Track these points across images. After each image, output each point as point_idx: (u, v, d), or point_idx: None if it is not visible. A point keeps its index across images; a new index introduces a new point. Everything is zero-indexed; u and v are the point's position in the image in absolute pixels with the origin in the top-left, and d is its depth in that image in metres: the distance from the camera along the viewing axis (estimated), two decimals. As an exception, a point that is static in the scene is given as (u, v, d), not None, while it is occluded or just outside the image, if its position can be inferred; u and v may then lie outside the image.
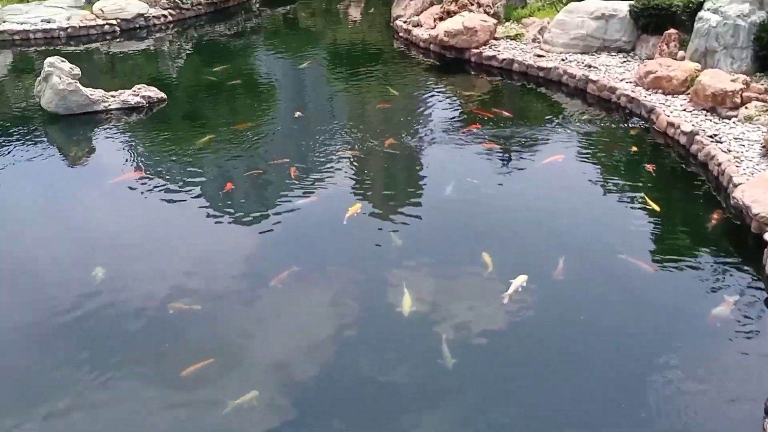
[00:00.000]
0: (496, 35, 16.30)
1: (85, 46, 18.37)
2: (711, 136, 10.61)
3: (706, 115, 11.42)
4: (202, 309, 7.54)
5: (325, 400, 6.54)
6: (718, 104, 11.44)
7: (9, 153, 11.58)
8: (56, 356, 7.03)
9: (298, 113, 13.34)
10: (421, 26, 17.85)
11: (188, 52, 18.40)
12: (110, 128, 12.48)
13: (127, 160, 11.35)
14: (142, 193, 10.24)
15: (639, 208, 9.56)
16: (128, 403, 6.41)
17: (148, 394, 6.53)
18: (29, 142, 11.99)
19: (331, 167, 10.97)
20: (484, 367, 6.88)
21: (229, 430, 6.22)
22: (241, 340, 7.22)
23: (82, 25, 18.83)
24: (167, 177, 10.69)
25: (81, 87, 12.69)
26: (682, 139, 11.00)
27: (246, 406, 6.37)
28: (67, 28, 18.69)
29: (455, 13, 16.86)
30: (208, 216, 9.63)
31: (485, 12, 16.85)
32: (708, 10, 13.08)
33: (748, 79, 11.73)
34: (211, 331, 7.30)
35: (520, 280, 7.85)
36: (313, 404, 6.49)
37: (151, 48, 18.57)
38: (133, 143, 11.98)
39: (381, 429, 6.21)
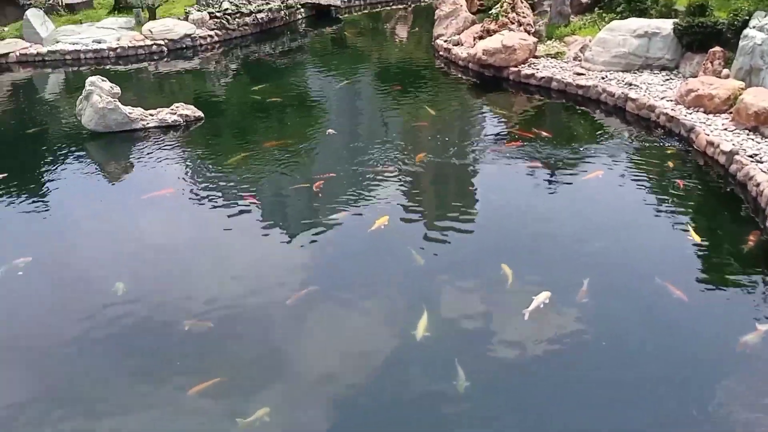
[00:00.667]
0: (537, 53, 16.12)
1: (134, 65, 18.89)
2: (751, 156, 10.21)
3: (747, 135, 11.01)
4: (216, 326, 7.54)
5: (336, 420, 6.44)
6: (760, 123, 11.02)
7: (50, 169, 11.91)
8: (64, 366, 7.14)
9: (330, 131, 13.36)
10: (462, 45, 17.78)
11: (232, 71, 18.73)
12: (146, 146, 12.72)
13: (160, 177, 11.53)
14: (171, 209, 10.45)
15: (675, 229, 9.24)
16: (133, 421, 6.43)
17: (154, 412, 6.54)
18: (69, 159, 12.32)
19: (360, 184, 10.93)
20: (497, 390, 6.71)
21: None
22: (251, 360, 7.17)
23: (130, 45, 19.37)
24: (197, 194, 10.81)
25: (120, 105, 12.98)
26: (722, 159, 10.62)
27: (258, 423, 6.30)
28: (116, 48, 19.25)
29: (495, 32, 16.73)
30: (235, 233, 9.72)
31: (526, 31, 16.70)
32: (753, 27, 12.68)
33: (794, 97, 11.26)
34: (221, 350, 7.28)
35: (543, 297, 7.67)
36: (323, 424, 6.40)
37: (197, 67, 18.96)
38: (168, 161, 12.15)
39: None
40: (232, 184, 11.14)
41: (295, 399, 6.67)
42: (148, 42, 19.54)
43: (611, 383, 6.71)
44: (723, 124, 11.52)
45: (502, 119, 14.12)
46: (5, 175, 11.56)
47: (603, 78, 14.37)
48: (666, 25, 14.65)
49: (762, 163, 10.00)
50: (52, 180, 11.53)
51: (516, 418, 6.37)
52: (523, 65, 15.63)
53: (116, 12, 22.19)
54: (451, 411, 6.47)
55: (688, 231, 9.06)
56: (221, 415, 6.44)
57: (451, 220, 9.87)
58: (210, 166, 11.86)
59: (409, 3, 27.26)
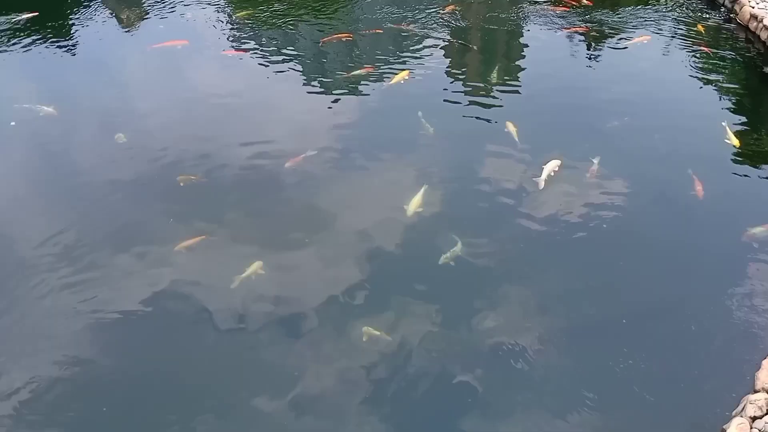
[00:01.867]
0: None
1: None
2: (796, 34, 9.43)
3: (799, 7, 10.13)
4: (210, 183, 7.41)
5: (330, 274, 6.36)
6: (815, -7, 10.11)
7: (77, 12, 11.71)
8: (57, 207, 7.20)
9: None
10: None
11: None
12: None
13: (173, 28, 11.15)
14: (179, 60, 10.13)
15: (704, 111, 8.75)
16: (119, 276, 6.40)
17: (141, 266, 6.48)
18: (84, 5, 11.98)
19: (384, 41, 10.57)
20: (494, 258, 6.58)
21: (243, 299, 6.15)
22: (242, 217, 7.08)
23: None
24: (210, 46, 10.49)
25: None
26: (764, 35, 9.82)
27: (253, 277, 6.25)
28: None
29: None
30: (246, 89, 9.48)
31: None
32: None
33: None
34: (214, 206, 7.16)
35: (553, 165, 7.43)
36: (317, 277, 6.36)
37: None
38: (182, 11, 11.69)
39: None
40: (248, 37, 10.74)
41: (288, 254, 6.58)
42: None
43: (611, 267, 6.52)
44: (774, -6, 10.59)
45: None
46: (36, 13, 11.36)
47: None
48: None
49: (807, 41, 9.25)
50: (74, 24, 11.34)
51: (514, 290, 6.23)
52: None
53: None
54: (443, 276, 6.34)
55: (718, 115, 8.48)
56: (214, 269, 6.39)
57: (473, 82, 9.55)
58: (226, 18, 11.43)
59: None
